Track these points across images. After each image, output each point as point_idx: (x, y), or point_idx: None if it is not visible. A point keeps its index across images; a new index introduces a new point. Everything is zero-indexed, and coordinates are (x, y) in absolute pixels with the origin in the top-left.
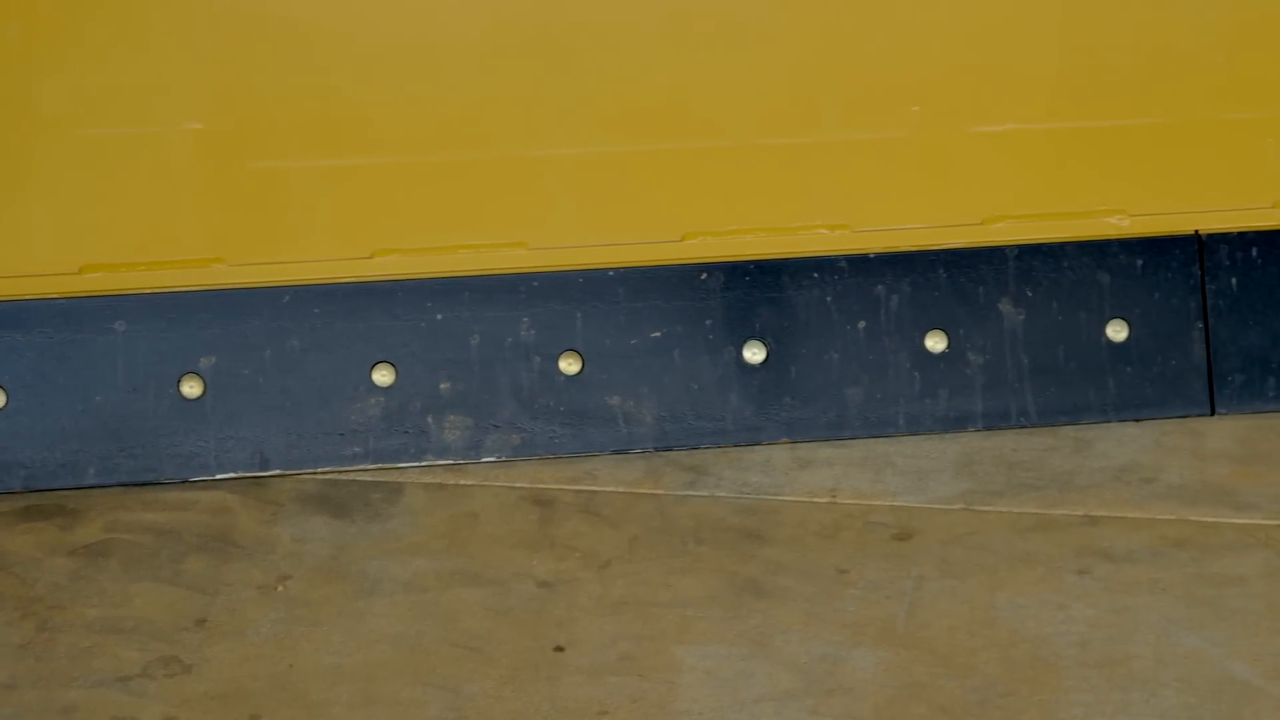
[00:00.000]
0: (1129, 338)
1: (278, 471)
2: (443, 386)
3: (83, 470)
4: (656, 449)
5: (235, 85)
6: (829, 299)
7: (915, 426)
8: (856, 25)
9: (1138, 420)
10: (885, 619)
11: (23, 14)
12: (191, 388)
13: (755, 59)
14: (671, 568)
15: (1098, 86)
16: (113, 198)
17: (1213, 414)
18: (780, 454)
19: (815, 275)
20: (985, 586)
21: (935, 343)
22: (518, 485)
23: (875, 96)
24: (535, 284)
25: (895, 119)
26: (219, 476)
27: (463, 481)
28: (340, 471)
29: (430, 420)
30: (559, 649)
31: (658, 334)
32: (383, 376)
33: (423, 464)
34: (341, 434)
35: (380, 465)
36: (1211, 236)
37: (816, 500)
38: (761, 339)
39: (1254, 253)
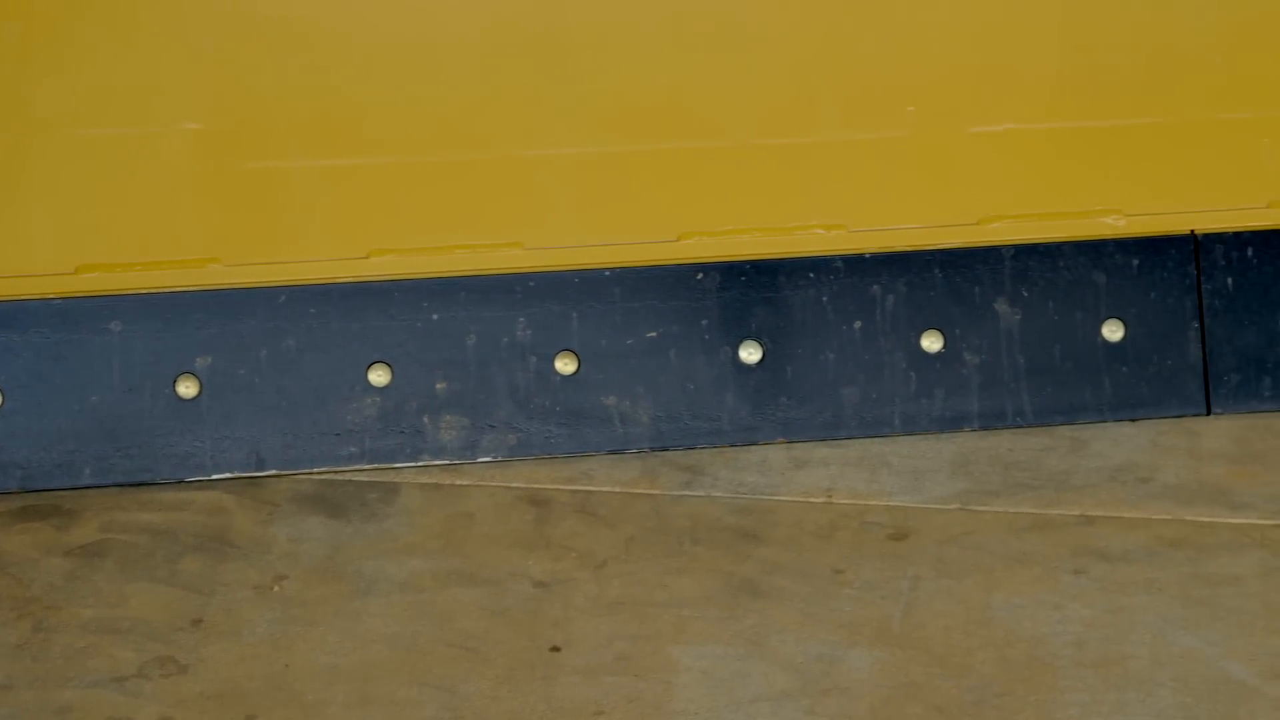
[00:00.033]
0: (1125, 337)
1: (274, 472)
2: (439, 386)
3: (79, 470)
4: (652, 449)
5: (232, 85)
6: (825, 299)
7: (911, 426)
8: (853, 25)
9: (1134, 420)
10: (881, 619)
11: (19, 14)
12: (187, 388)
13: (751, 59)
14: (667, 568)
15: (1094, 87)
16: (109, 198)
17: (1208, 414)
18: (776, 454)
19: (811, 275)
20: (981, 586)
21: (931, 343)
22: (514, 485)
23: (871, 96)
24: (531, 284)
25: (891, 119)
26: (215, 477)
27: (459, 481)
28: (336, 471)
29: (426, 420)
30: (555, 649)
31: (654, 334)
32: (379, 376)
33: (419, 464)
34: (337, 434)
35: (376, 465)
36: (1207, 236)
37: (812, 500)
38: (757, 339)
39: (1250, 253)
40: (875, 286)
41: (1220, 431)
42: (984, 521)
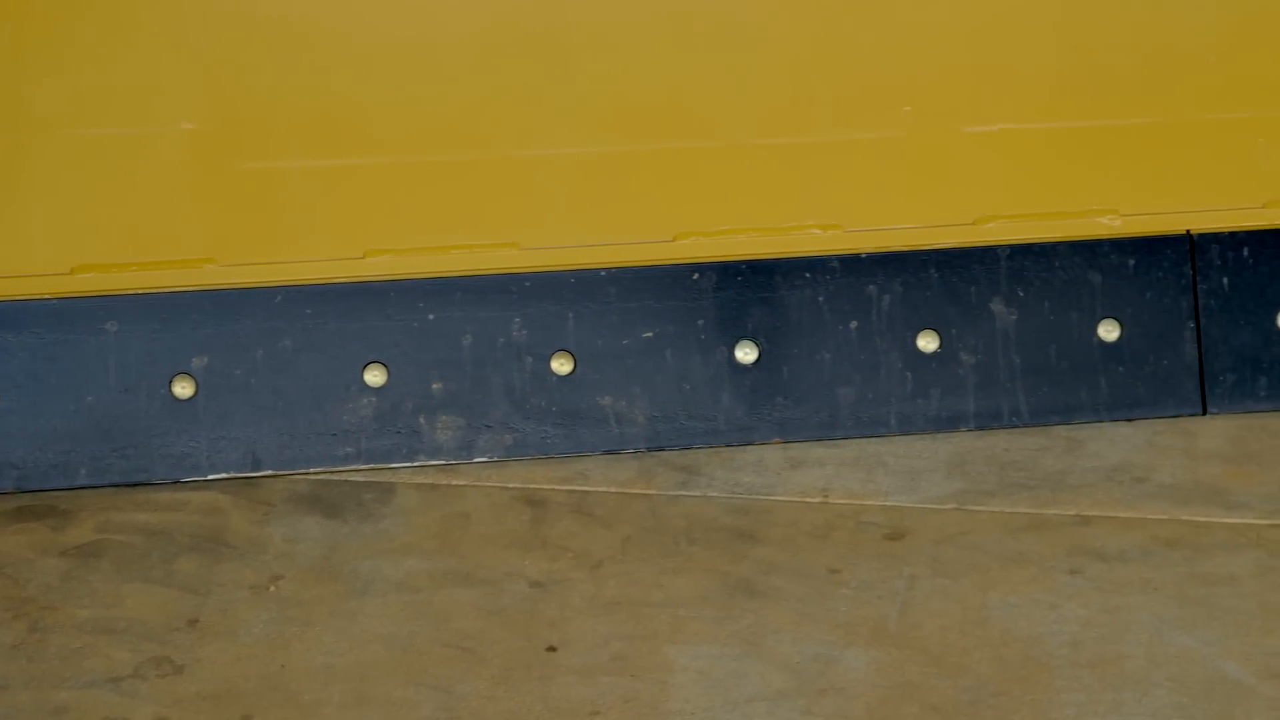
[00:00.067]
0: (1121, 337)
1: (270, 472)
2: (435, 387)
3: (74, 471)
4: (648, 449)
5: (228, 86)
6: (821, 299)
7: (907, 426)
8: (848, 25)
9: (1130, 420)
10: (877, 619)
11: (15, 14)
12: (184, 388)
13: (747, 59)
14: (664, 568)
15: (1090, 87)
16: (105, 198)
17: (1204, 413)
18: (772, 454)
19: (807, 275)
20: (977, 586)
21: (927, 342)
22: (510, 485)
23: (867, 96)
24: (527, 284)
25: (887, 119)
26: (211, 477)
27: (455, 482)
28: (332, 472)
29: (422, 420)
30: (551, 649)
31: (650, 334)
32: (375, 377)
33: (415, 464)
34: (334, 434)
35: (372, 465)
36: (1203, 236)
37: (809, 500)
38: (753, 339)
39: (1245, 252)
40: (871, 286)
41: (1216, 431)
42: (980, 521)
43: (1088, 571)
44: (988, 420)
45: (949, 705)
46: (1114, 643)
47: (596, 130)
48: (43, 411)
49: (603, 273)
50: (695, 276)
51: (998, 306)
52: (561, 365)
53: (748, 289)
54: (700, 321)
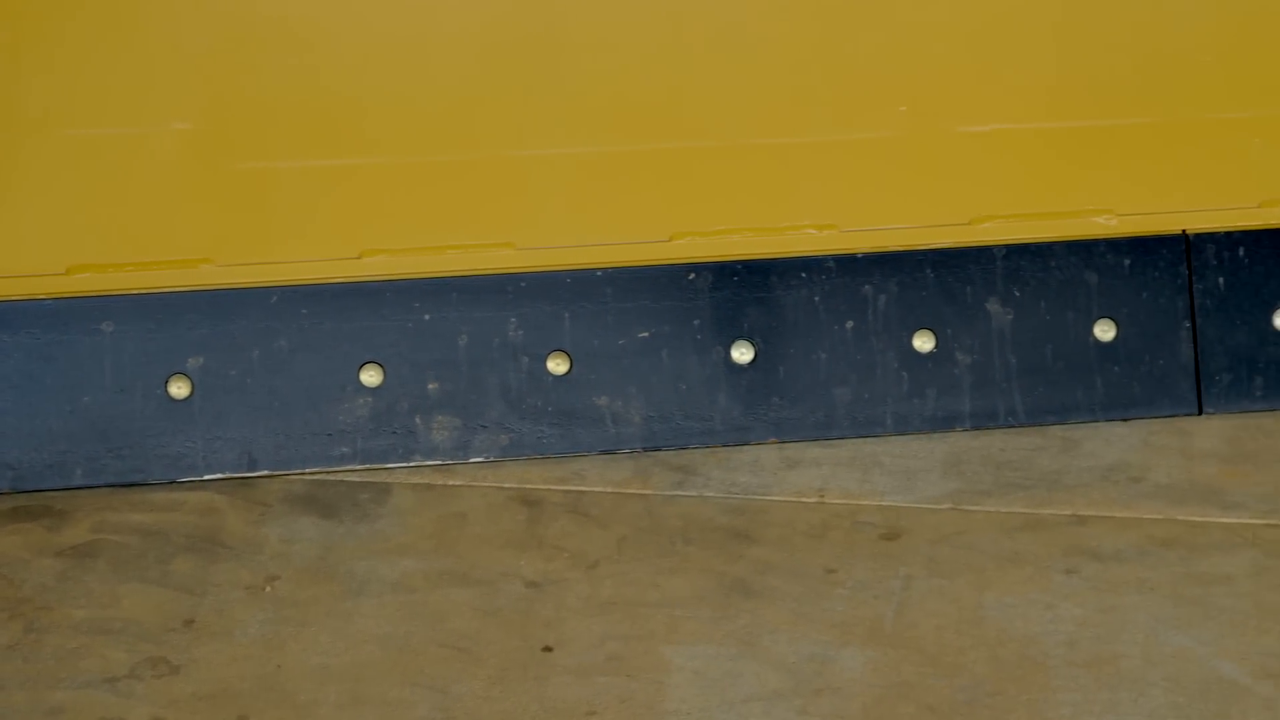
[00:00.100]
0: (1117, 337)
1: (266, 472)
2: (430, 387)
3: (70, 471)
4: (644, 449)
5: (223, 85)
6: (817, 299)
7: (903, 426)
8: (844, 26)
9: (1125, 420)
10: (873, 619)
11: (10, 14)
12: (179, 388)
13: (743, 59)
14: (660, 568)
15: (1085, 86)
16: (100, 198)
17: (1200, 413)
18: (768, 454)
19: (803, 275)
20: (973, 586)
21: (923, 342)
22: (506, 485)
23: (863, 96)
24: (523, 284)
25: (883, 119)
26: (207, 477)
27: (451, 482)
28: (328, 472)
29: (418, 420)
30: (547, 649)
31: (646, 334)
32: (370, 377)
33: (411, 464)
34: (329, 434)
35: (368, 466)
36: (1199, 236)
37: (804, 500)
38: (749, 339)
39: (1241, 252)
40: (867, 286)
41: (1212, 431)
42: (976, 521)
43: (1083, 571)
44: (984, 420)
45: (945, 705)
46: (1110, 642)
47: (592, 130)
48: (38, 412)
49: (599, 273)
50: (691, 276)
51: (993, 306)
52: (557, 365)
53: (744, 289)
54: (696, 321)
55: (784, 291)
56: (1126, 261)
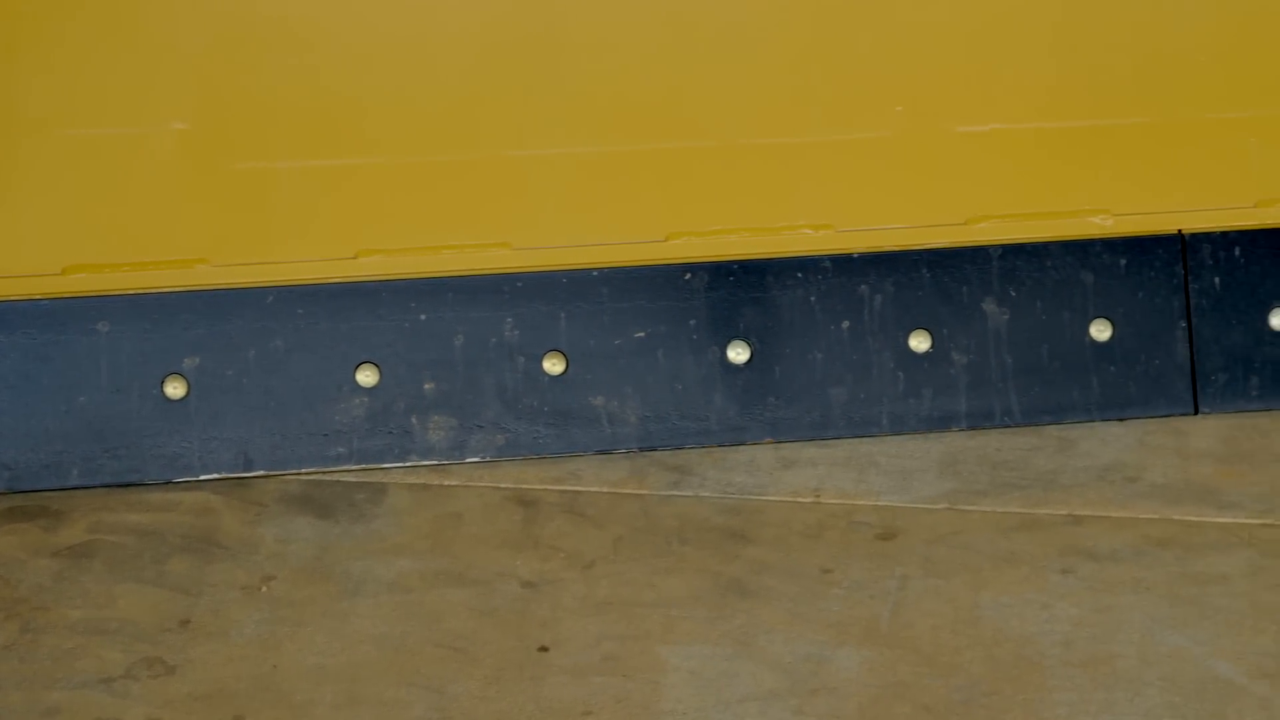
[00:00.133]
0: (1112, 337)
1: (261, 472)
2: (427, 387)
3: (66, 471)
4: (640, 449)
5: (220, 86)
6: (813, 299)
7: (899, 426)
8: (841, 25)
9: (1121, 419)
10: (869, 618)
11: (6, 14)
12: (175, 388)
13: (740, 59)
14: (656, 568)
15: (1082, 87)
16: (96, 198)
17: (1196, 413)
18: (764, 454)
19: (799, 275)
20: (969, 586)
21: (919, 342)
22: (502, 485)
23: (859, 96)
24: (519, 284)
25: (879, 119)
26: (203, 477)
27: (447, 482)
28: (324, 472)
29: (414, 421)
30: (543, 649)
31: (642, 334)
32: (367, 377)
33: (407, 464)
34: (325, 434)
35: (364, 466)
36: (1194, 236)
37: (800, 500)
38: (745, 339)
39: (1236, 252)
40: (863, 286)
41: (1208, 431)
42: (972, 521)
43: (1080, 571)
44: (980, 420)
45: (941, 705)
46: (1106, 642)
47: (588, 130)
48: (34, 412)
49: (595, 273)
50: (687, 276)
51: (990, 306)
52: (553, 365)
53: (740, 289)
54: (692, 321)
55: (780, 291)
56: (1122, 261)
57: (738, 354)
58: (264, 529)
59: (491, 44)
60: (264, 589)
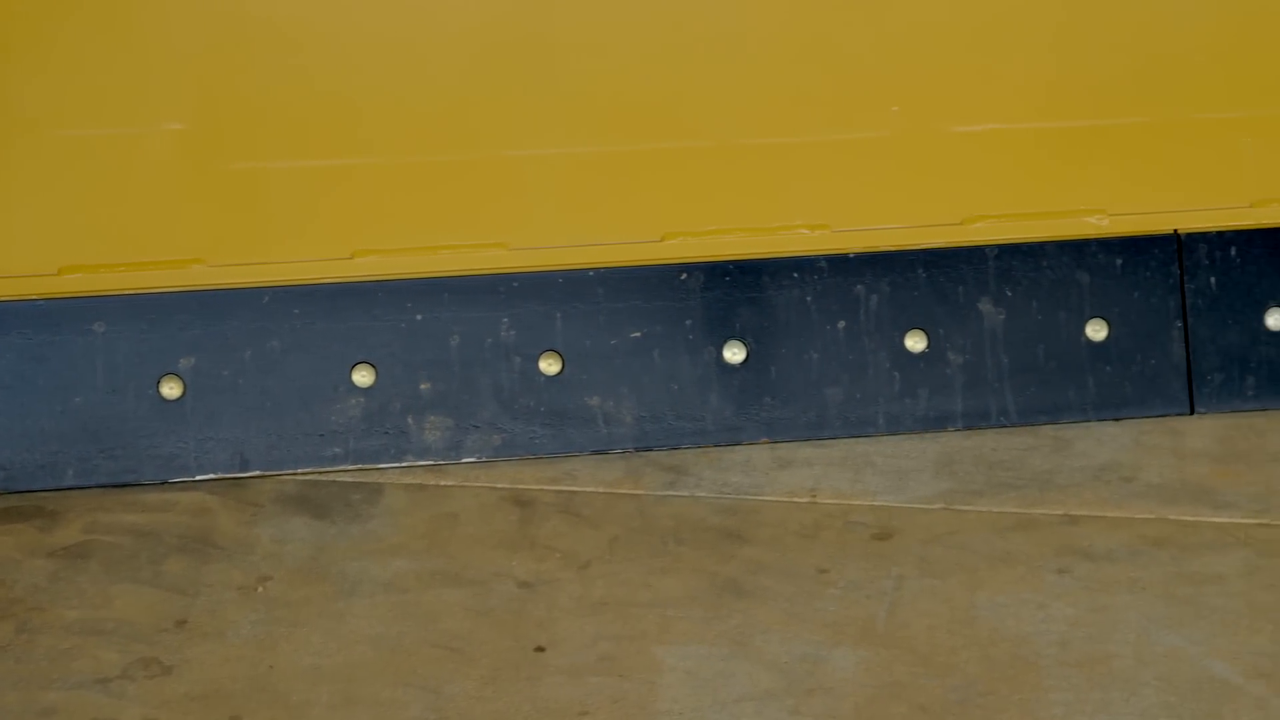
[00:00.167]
0: (1108, 337)
1: (258, 472)
2: (423, 387)
3: (62, 471)
4: (636, 449)
5: (215, 86)
6: (809, 299)
7: (895, 426)
8: (837, 25)
9: (1117, 419)
10: (865, 618)
11: (1, 14)
12: (171, 389)
13: (736, 59)
14: (652, 568)
15: (1078, 86)
16: (92, 198)
17: (1192, 413)
18: (760, 454)
19: (795, 275)
20: (965, 586)
21: (915, 342)
22: (498, 486)
23: (855, 96)
24: (515, 284)
25: (875, 119)
26: (199, 478)
27: (443, 482)
28: (320, 472)
29: (410, 421)
30: (539, 649)
31: (638, 334)
32: (363, 377)
33: (403, 465)
34: (321, 435)
35: (360, 466)
36: (1190, 236)
37: (797, 500)
38: (741, 339)
39: (1232, 252)
40: (859, 286)
41: (1204, 431)
42: (968, 521)
43: (1075, 571)
44: (976, 420)
45: (937, 705)
46: (1102, 642)
47: (584, 130)
48: (30, 412)
49: (591, 273)
50: (683, 277)
51: (985, 306)
52: (549, 365)
53: (736, 289)
54: (688, 322)
55: (776, 291)
56: (1118, 261)
57: (734, 354)
58: (260, 529)
59: (487, 44)
60: (260, 589)
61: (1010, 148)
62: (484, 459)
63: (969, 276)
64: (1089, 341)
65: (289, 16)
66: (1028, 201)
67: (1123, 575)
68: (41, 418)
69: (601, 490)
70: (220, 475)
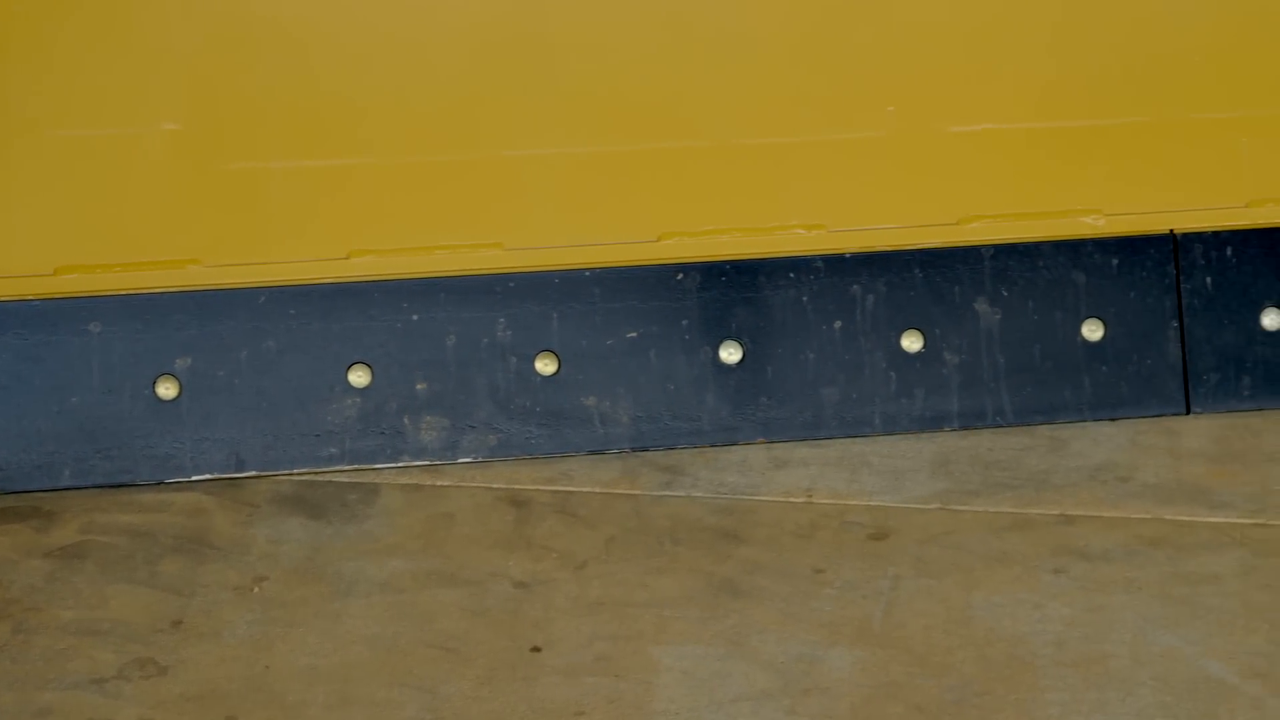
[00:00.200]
0: (1105, 337)
1: (254, 473)
2: (419, 387)
3: (58, 472)
4: (633, 449)
5: (211, 86)
6: (805, 299)
7: (891, 426)
8: (833, 25)
9: (1113, 419)
10: (862, 618)
11: None
12: (167, 389)
13: (732, 60)
14: (648, 568)
15: (1074, 86)
16: (88, 199)
17: (1188, 413)
18: (756, 454)
19: (791, 275)
20: (961, 586)
21: (911, 342)
22: (494, 486)
23: (851, 96)
24: (511, 284)
25: (871, 119)
26: (195, 478)
27: (439, 482)
28: (316, 473)
29: (406, 421)
30: (536, 649)
31: (634, 334)
32: (359, 377)
33: (399, 465)
34: (318, 435)
35: (356, 466)
36: (1186, 236)
37: (793, 500)
38: (738, 339)
39: (1228, 252)
40: (855, 286)
41: (1200, 431)
42: (964, 521)
43: (1072, 571)
44: (972, 420)
45: (933, 705)
46: (1098, 642)
47: (581, 130)
48: (26, 413)
49: (587, 273)
50: (679, 277)
51: (982, 306)
52: (546, 365)
53: (732, 289)
54: (684, 322)
55: (772, 292)
56: (1114, 261)
57: (730, 354)
58: (256, 529)
59: (484, 44)
60: (256, 589)
61: (1006, 148)
62: (480, 459)
63: (965, 276)
64: (1085, 341)
65: (285, 17)
66: (1024, 201)
67: (1119, 575)
68: (38, 418)
69: (598, 490)
70: (216, 475)
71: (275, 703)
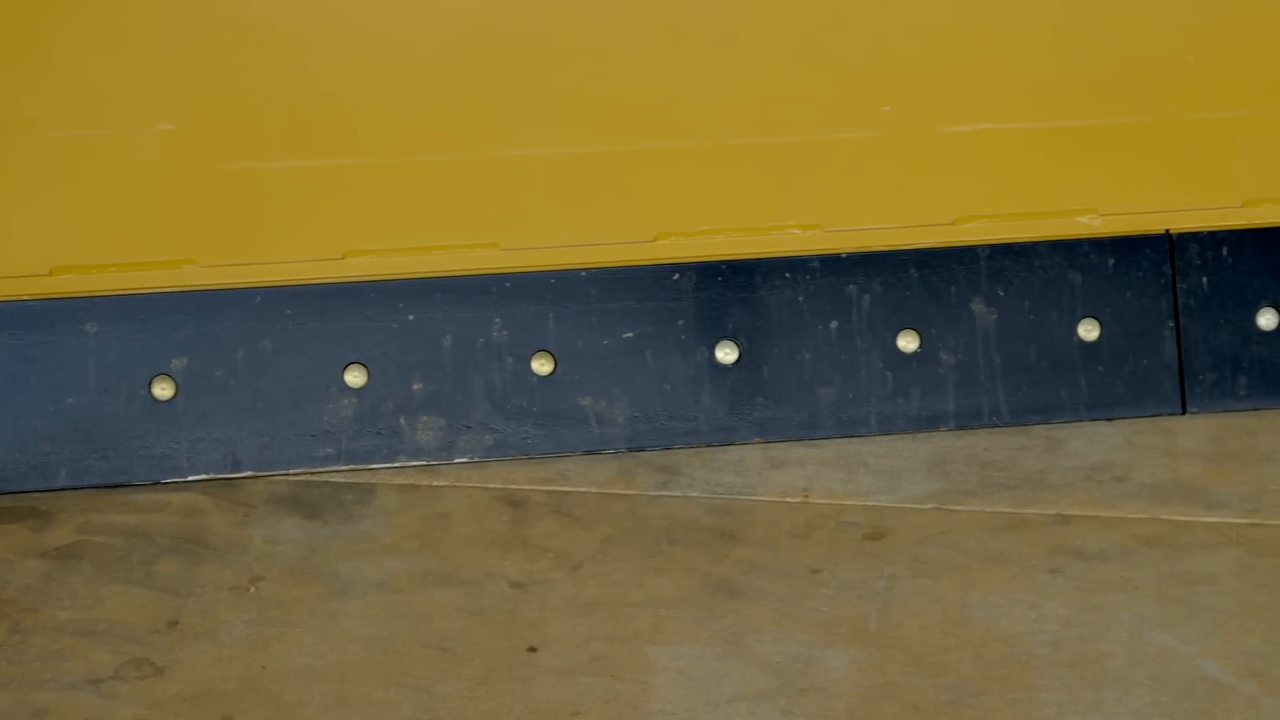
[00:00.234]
0: (1100, 337)
1: (250, 473)
2: (415, 387)
3: (54, 472)
4: (629, 449)
5: (207, 86)
6: (801, 299)
7: (887, 426)
8: (829, 25)
9: (1109, 419)
10: (858, 618)
11: None
12: (163, 389)
13: (728, 59)
14: (644, 568)
15: (1070, 86)
16: (83, 199)
17: (1184, 413)
18: (753, 454)
19: (787, 275)
20: (958, 586)
21: (907, 342)
22: (490, 486)
23: (847, 96)
24: (508, 284)
25: (867, 119)
26: (191, 478)
27: (435, 482)
28: (313, 473)
29: (403, 421)
30: (532, 649)
31: (630, 334)
32: (355, 377)
33: (395, 465)
34: (314, 435)
35: (353, 466)
36: (1182, 235)
37: (789, 500)
38: (734, 339)
39: (1224, 252)
40: (851, 286)
41: (1196, 430)
42: (960, 521)
43: (1068, 571)
44: (968, 420)
45: (930, 705)
46: (1094, 642)
47: (577, 130)
48: (22, 413)
49: (583, 273)
50: (675, 277)
51: (978, 306)
52: (542, 366)
53: (728, 289)
54: (680, 322)
55: (768, 291)
56: (1110, 261)
57: (726, 354)
58: (252, 530)
59: (479, 44)
60: (252, 590)
61: (1002, 147)
62: (476, 459)
63: (961, 276)
64: (1081, 341)
65: (281, 18)
66: (1020, 201)
67: (1115, 575)
68: (34, 418)
69: (594, 490)
70: (212, 476)
71: (271, 703)
